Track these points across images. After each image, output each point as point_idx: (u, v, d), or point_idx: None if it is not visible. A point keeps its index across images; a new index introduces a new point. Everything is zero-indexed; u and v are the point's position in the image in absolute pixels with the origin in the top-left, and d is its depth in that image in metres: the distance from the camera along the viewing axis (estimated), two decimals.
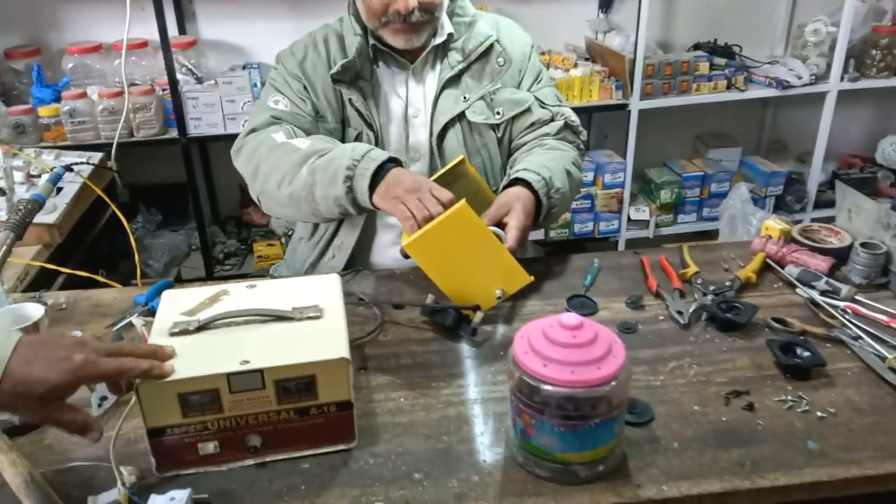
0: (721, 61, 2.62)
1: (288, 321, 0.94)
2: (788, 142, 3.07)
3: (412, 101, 1.44)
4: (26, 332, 1.09)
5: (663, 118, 2.86)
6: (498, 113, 1.44)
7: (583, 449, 0.83)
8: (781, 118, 3.10)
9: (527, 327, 0.88)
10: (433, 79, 1.44)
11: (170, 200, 2.68)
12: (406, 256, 1.19)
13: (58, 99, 2.33)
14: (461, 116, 1.42)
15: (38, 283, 1.51)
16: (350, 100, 1.38)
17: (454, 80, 1.42)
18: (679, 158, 2.96)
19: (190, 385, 0.83)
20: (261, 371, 0.84)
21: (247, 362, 0.84)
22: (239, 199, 2.83)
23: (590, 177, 2.62)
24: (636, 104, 2.57)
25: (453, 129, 1.42)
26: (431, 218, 1.16)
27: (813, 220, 2.59)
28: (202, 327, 0.92)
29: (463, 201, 1.15)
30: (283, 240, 2.65)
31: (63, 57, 2.49)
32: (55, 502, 0.82)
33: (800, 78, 2.57)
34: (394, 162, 1.25)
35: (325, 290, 1.02)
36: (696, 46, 2.79)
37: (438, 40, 1.42)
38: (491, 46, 1.43)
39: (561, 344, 0.83)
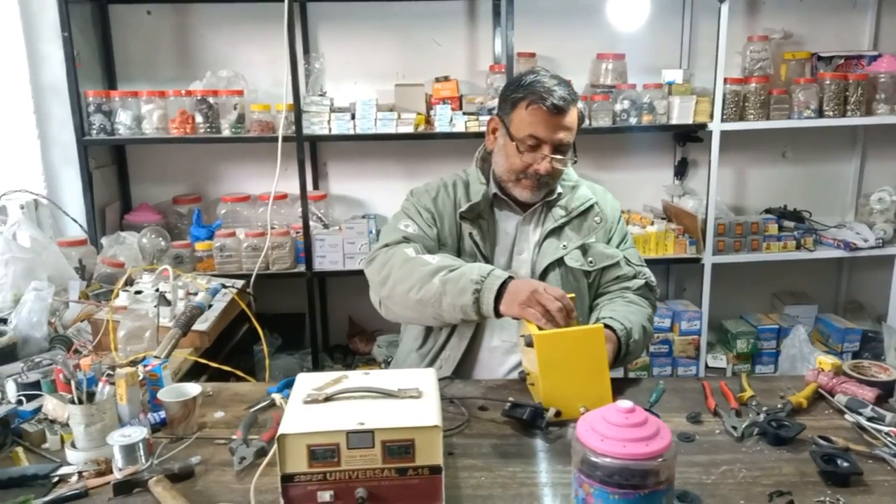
0: (790, 224, 2.82)
1: (394, 398, 1.18)
2: (865, 303, 3.14)
3: (519, 241, 1.71)
4: (186, 406, 1.39)
5: (740, 274, 3.04)
6: (591, 262, 1.70)
7: None
8: (856, 280, 3.21)
9: (590, 413, 1.07)
10: (540, 226, 1.72)
11: (289, 326, 3.02)
12: (529, 344, 1.38)
13: (211, 237, 2.80)
14: (560, 261, 1.68)
15: (188, 377, 1.82)
16: (471, 233, 1.67)
17: (557, 231, 1.70)
18: (756, 313, 3.09)
19: (318, 438, 1.06)
20: (372, 432, 1.07)
21: (362, 424, 1.07)
22: (347, 330, 3.16)
23: (667, 323, 2.79)
24: (709, 258, 2.78)
25: (553, 272, 1.68)
26: (554, 312, 1.37)
27: None
28: (328, 398, 1.17)
29: (601, 325, 1.37)
30: (382, 366, 2.91)
31: (218, 204, 3.02)
32: None
33: (866, 241, 2.72)
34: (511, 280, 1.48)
35: (424, 379, 1.25)
36: (768, 211, 3.01)
37: (551, 197, 1.71)
38: (591, 207, 1.72)
39: (616, 424, 1.01)
